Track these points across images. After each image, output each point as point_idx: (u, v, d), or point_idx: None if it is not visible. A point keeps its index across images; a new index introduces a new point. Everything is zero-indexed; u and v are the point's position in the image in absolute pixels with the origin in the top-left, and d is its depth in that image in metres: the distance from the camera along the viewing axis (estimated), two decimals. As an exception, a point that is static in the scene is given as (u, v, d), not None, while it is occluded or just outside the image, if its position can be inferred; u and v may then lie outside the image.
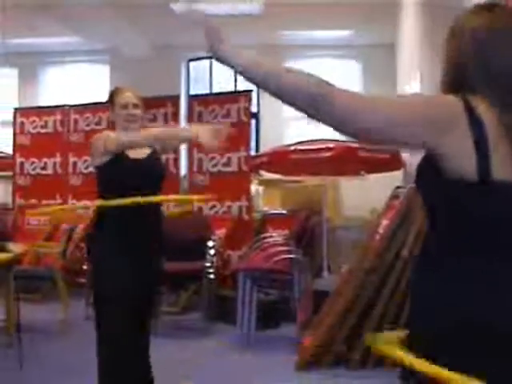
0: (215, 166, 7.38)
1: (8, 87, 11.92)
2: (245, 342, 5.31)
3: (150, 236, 3.27)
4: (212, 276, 5.97)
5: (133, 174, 3.19)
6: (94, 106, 8.09)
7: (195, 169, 7.51)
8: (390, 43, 10.23)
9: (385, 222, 4.95)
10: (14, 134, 8.66)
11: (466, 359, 1.35)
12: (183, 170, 7.93)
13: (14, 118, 8.70)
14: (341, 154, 6.73)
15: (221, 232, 6.82)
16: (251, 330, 5.40)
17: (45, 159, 8.46)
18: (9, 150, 8.96)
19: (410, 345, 1.49)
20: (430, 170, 1.45)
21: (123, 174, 3.19)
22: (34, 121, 8.58)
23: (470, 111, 1.39)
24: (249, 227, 7.22)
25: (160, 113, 7.70)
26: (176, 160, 7.57)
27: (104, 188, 3.26)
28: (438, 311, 1.43)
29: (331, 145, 6.74)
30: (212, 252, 6.07)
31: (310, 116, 1.41)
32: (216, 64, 1.52)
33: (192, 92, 11.47)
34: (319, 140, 6.85)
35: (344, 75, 11.11)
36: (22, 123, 8.64)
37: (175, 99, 8.02)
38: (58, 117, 8.47)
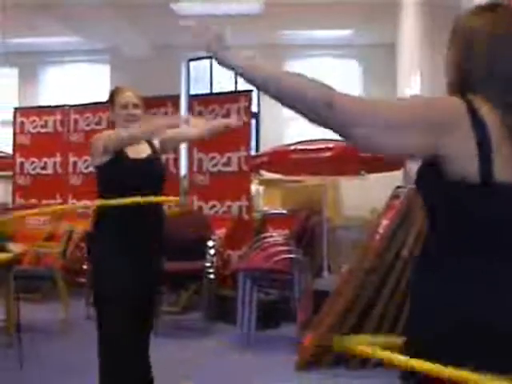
0: (215, 165, 7.38)
1: (8, 87, 11.92)
2: (245, 342, 5.31)
3: (150, 236, 3.26)
4: (212, 276, 5.97)
5: (133, 174, 3.19)
6: (94, 106, 8.10)
7: (195, 169, 7.51)
8: (390, 43, 10.23)
9: (385, 222, 4.95)
10: (14, 134, 8.67)
11: (466, 359, 1.35)
12: (183, 170, 7.93)
13: (14, 117, 8.71)
14: (341, 153, 6.73)
15: (221, 232, 6.82)
16: (251, 329, 5.40)
17: (45, 159, 8.46)
18: (9, 150, 8.97)
19: (409, 345, 1.49)
20: (431, 171, 1.44)
21: (123, 174, 3.19)
22: (34, 120, 8.59)
23: (473, 113, 1.39)
24: (249, 227, 7.22)
25: (160, 112, 7.70)
26: (176, 160, 7.58)
27: (104, 188, 3.26)
28: (437, 311, 1.43)
29: (331, 145, 6.73)
30: (212, 252, 6.06)
31: (311, 120, 1.41)
32: (216, 64, 1.52)
33: (192, 92, 11.47)
34: (319, 140, 6.84)
35: (344, 75, 11.12)
36: (22, 123, 8.65)
37: (175, 99, 8.03)
38: (58, 116, 8.48)
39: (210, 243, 6.12)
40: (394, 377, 1.55)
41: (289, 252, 5.77)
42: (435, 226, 1.51)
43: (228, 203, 7.23)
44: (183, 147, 7.62)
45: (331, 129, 1.41)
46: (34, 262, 6.59)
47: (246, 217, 7.20)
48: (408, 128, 1.39)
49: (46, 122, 8.53)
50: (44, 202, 8.25)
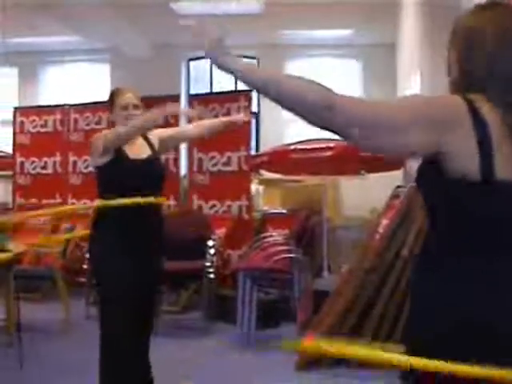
0: (215, 165, 7.38)
1: (8, 86, 11.92)
2: (245, 342, 5.31)
3: (150, 236, 3.26)
4: (212, 275, 5.97)
5: (133, 175, 3.18)
6: (94, 106, 8.09)
7: (195, 168, 7.51)
8: (391, 43, 10.23)
9: (385, 222, 4.96)
10: (14, 134, 8.67)
11: (466, 359, 1.35)
12: (183, 170, 7.93)
13: (14, 117, 8.70)
14: (341, 153, 6.73)
15: (221, 231, 6.82)
16: (251, 329, 5.40)
17: (45, 158, 8.46)
18: (9, 150, 8.96)
19: (408, 345, 1.49)
20: (432, 170, 1.44)
21: (123, 175, 3.19)
22: (33, 120, 8.59)
23: (474, 111, 1.39)
24: (249, 227, 7.22)
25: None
26: (176, 160, 7.58)
27: (104, 188, 3.26)
28: (437, 311, 1.43)
29: (331, 144, 6.73)
30: (212, 251, 6.06)
31: (311, 122, 1.41)
32: (215, 68, 1.53)
33: (192, 91, 11.47)
34: (319, 139, 6.84)
35: (344, 75, 11.12)
36: (22, 122, 8.64)
37: (175, 98, 8.01)
38: (58, 116, 8.47)
39: (210, 243, 6.12)
40: (393, 377, 1.55)
41: (289, 252, 5.77)
42: (435, 225, 1.51)
43: (228, 203, 7.23)
44: (183, 147, 7.62)
45: (332, 131, 1.42)
46: (34, 262, 6.59)
47: (245, 216, 7.19)
48: (409, 127, 1.39)
49: (45, 121, 8.53)
50: (44, 201, 8.25)
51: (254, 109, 9.98)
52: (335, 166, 7.20)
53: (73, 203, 8.17)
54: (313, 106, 1.38)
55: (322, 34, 10.82)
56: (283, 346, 1.57)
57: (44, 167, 8.48)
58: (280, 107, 1.44)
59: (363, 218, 8.15)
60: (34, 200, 8.34)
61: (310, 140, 7.16)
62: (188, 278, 6.21)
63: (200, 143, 6.80)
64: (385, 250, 4.63)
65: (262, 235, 6.72)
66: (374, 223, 5.39)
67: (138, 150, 3.27)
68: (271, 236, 6.62)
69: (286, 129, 10.88)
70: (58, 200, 8.24)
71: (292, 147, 7.30)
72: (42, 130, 8.54)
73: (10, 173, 8.79)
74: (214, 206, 7.31)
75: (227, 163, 7.30)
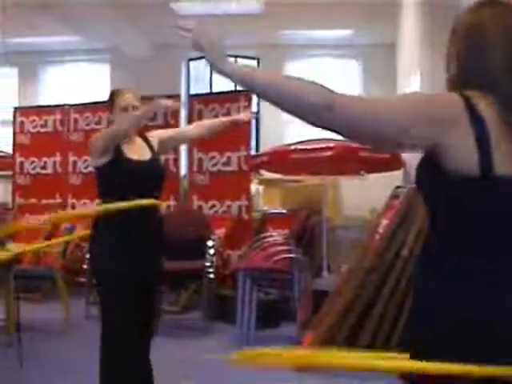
0: (215, 165, 7.38)
1: (8, 86, 11.92)
2: (245, 342, 5.31)
3: (151, 236, 3.26)
4: (212, 275, 5.97)
5: (132, 176, 3.18)
6: (94, 106, 8.09)
7: (195, 168, 7.51)
8: (391, 43, 10.24)
9: (385, 222, 4.96)
10: (14, 134, 8.67)
11: (466, 359, 1.35)
12: (183, 170, 7.93)
13: (14, 117, 8.70)
14: (341, 153, 6.73)
15: (221, 231, 6.82)
16: (251, 329, 5.40)
17: (45, 158, 8.46)
18: (9, 150, 8.97)
19: (408, 345, 1.49)
20: (431, 169, 1.45)
21: (122, 176, 3.18)
22: (33, 120, 8.59)
23: (471, 109, 1.39)
24: (249, 227, 7.22)
25: (160, 112, 7.68)
26: (176, 160, 7.58)
27: (103, 189, 3.26)
28: (437, 311, 1.43)
29: (331, 144, 6.74)
30: (212, 251, 6.07)
31: (311, 123, 1.41)
32: (214, 72, 1.53)
33: (192, 91, 11.47)
34: (319, 139, 6.84)
35: (344, 75, 11.13)
36: (22, 122, 8.64)
37: (175, 98, 8.01)
38: (58, 116, 8.47)
39: (210, 243, 6.12)
40: (394, 377, 1.55)
41: (288, 252, 5.78)
42: (436, 225, 1.51)
43: (228, 203, 7.23)
44: (183, 147, 7.62)
45: (332, 131, 1.42)
46: (33, 262, 6.60)
47: (245, 216, 7.20)
48: (409, 125, 1.40)
49: (45, 121, 8.53)
50: (44, 201, 8.25)
51: (254, 109, 9.97)
52: (335, 166, 7.20)
53: (73, 203, 8.18)
54: (312, 106, 1.38)
55: (322, 34, 10.83)
56: (237, 357, 1.56)
57: (44, 167, 8.48)
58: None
59: (363, 218, 8.15)
60: (33, 200, 8.35)
61: (309, 140, 7.16)
62: (188, 278, 6.22)
63: (200, 143, 6.81)
64: (385, 250, 4.63)
65: (262, 235, 6.72)
66: (373, 223, 5.39)
67: (138, 151, 3.27)
68: (271, 236, 6.62)
69: (285, 129, 10.89)
70: (58, 200, 8.24)
71: (292, 147, 7.30)
72: (42, 129, 8.54)
73: (9, 173, 8.80)
74: (213, 206, 7.31)
75: (227, 163, 7.30)
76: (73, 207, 8.18)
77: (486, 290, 1.39)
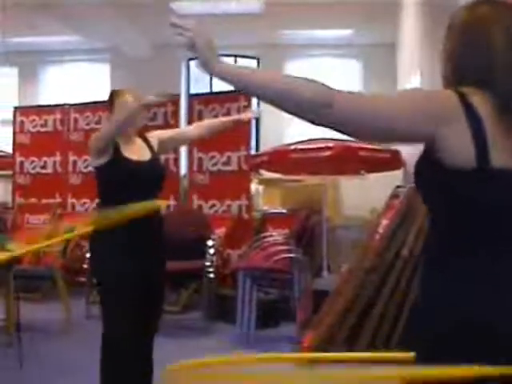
0: (215, 165, 7.38)
1: (8, 86, 11.93)
2: (244, 341, 5.31)
3: (151, 236, 3.26)
4: (212, 275, 5.97)
5: (131, 176, 3.17)
6: (94, 105, 8.09)
7: (195, 168, 7.51)
8: (391, 42, 10.24)
9: (385, 222, 4.95)
10: (14, 133, 8.67)
11: (466, 359, 1.35)
12: (183, 170, 7.93)
13: (14, 116, 8.71)
14: (341, 153, 6.73)
15: (221, 231, 6.82)
16: (251, 329, 5.40)
17: (45, 158, 8.46)
18: (9, 149, 8.97)
19: (408, 345, 1.49)
20: (429, 166, 1.45)
21: (120, 176, 3.18)
22: (33, 120, 8.59)
23: (467, 105, 1.40)
24: (249, 226, 7.22)
25: (160, 112, 7.69)
26: (176, 159, 7.58)
27: (103, 189, 3.26)
28: (438, 311, 1.43)
29: (331, 144, 6.74)
30: (212, 251, 6.07)
31: (310, 121, 1.41)
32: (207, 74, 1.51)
33: (192, 91, 11.47)
34: (319, 139, 6.85)
35: (344, 74, 11.13)
36: (22, 122, 8.65)
37: (175, 98, 8.02)
38: (58, 116, 8.48)
39: (210, 242, 6.12)
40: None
41: (288, 251, 5.77)
42: (436, 224, 1.51)
43: (228, 202, 7.23)
44: (183, 148, 7.62)
45: (331, 128, 1.42)
46: (33, 262, 6.59)
47: (245, 216, 7.20)
48: (408, 122, 1.40)
49: (45, 121, 8.54)
50: (44, 201, 8.26)
51: (254, 109, 9.97)
52: (335, 165, 7.20)
53: (72, 203, 8.18)
54: (311, 103, 1.38)
55: (322, 34, 10.83)
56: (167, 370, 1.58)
57: (44, 167, 8.48)
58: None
59: (363, 218, 8.15)
60: (33, 200, 8.35)
61: (309, 140, 7.16)
62: (188, 278, 6.21)
63: (200, 143, 6.81)
64: (385, 249, 4.63)
65: (262, 235, 6.72)
66: (373, 223, 5.38)
67: (138, 151, 3.27)
68: (271, 236, 6.62)
69: (285, 128, 10.89)
70: (58, 200, 8.24)
71: (292, 147, 7.30)
72: (42, 129, 8.55)
73: (9, 172, 8.80)
74: (213, 205, 7.31)
75: (227, 163, 7.30)
76: (73, 207, 8.18)
77: (486, 290, 1.39)
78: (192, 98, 8.21)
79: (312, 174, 8.10)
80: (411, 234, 4.55)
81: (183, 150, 7.79)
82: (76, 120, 8.34)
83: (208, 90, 11.32)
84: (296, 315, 5.44)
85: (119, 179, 3.18)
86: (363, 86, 11.10)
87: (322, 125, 1.41)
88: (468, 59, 1.49)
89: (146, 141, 3.36)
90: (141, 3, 9.01)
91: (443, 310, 1.42)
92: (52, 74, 12.40)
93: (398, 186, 5.37)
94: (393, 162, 7.31)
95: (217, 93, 8.08)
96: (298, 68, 11.23)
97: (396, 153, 7.29)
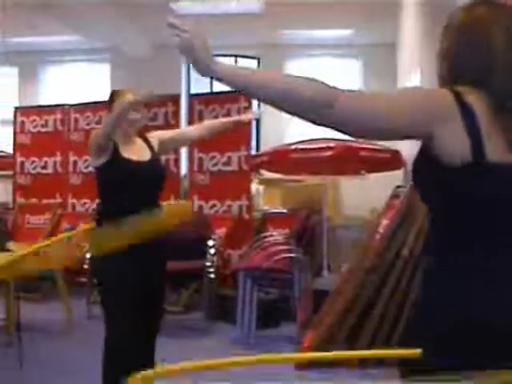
0: (215, 165, 7.38)
1: (8, 86, 11.93)
2: (245, 341, 5.31)
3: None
4: (212, 275, 5.97)
5: (131, 176, 3.17)
6: (95, 105, 8.09)
7: (195, 168, 7.51)
8: (391, 42, 10.24)
9: (385, 222, 4.96)
10: (15, 133, 8.67)
11: (466, 359, 1.36)
12: (184, 170, 7.93)
13: (15, 116, 8.71)
14: (341, 153, 6.73)
15: (221, 231, 6.82)
16: (251, 329, 5.40)
17: (45, 158, 8.46)
18: (9, 149, 8.97)
19: (409, 345, 1.49)
20: (426, 165, 1.46)
21: (121, 176, 3.18)
22: (34, 120, 8.59)
23: (463, 104, 1.41)
24: (249, 226, 7.22)
25: (161, 112, 7.69)
26: (176, 160, 7.58)
27: (103, 189, 3.26)
28: (437, 311, 1.43)
29: (332, 144, 6.74)
30: (212, 251, 6.07)
31: (311, 121, 1.41)
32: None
33: (192, 91, 11.46)
34: (320, 139, 6.85)
35: (344, 74, 11.13)
36: (23, 122, 8.65)
37: (176, 98, 8.02)
38: (59, 116, 8.48)
39: (211, 242, 6.12)
40: (393, 377, 1.55)
41: (289, 251, 5.77)
42: (435, 222, 1.52)
43: (228, 202, 7.23)
44: (184, 148, 7.62)
45: (331, 127, 1.42)
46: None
47: (246, 216, 7.19)
48: (408, 121, 1.41)
49: (46, 121, 8.53)
50: (44, 201, 8.26)
51: (255, 109, 9.97)
52: (335, 165, 7.20)
53: (73, 203, 8.18)
54: (312, 103, 1.38)
55: (322, 34, 10.83)
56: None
57: (44, 167, 8.48)
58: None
59: (363, 218, 8.16)
60: (34, 200, 8.35)
61: (310, 140, 7.17)
62: (188, 278, 6.21)
63: (200, 143, 6.81)
64: (385, 249, 4.63)
65: (263, 235, 6.72)
66: (374, 223, 5.39)
67: (138, 152, 3.27)
68: (271, 236, 6.62)
69: (286, 128, 10.89)
70: (59, 200, 8.24)
71: (292, 147, 7.31)
72: (43, 129, 8.55)
73: (10, 172, 8.80)
74: (214, 205, 7.31)
75: (227, 163, 7.30)
76: (73, 207, 8.18)
77: (483, 287, 1.40)
78: (192, 98, 8.21)
79: (312, 174, 8.10)
80: (411, 234, 4.56)
81: (184, 151, 7.78)
82: (76, 120, 8.34)
83: (208, 91, 11.33)
84: (296, 315, 5.44)
85: (118, 179, 3.18)
86: (363, 86, 11.10)
87: (323, 124, 1.41)
88: (466, 58, 1.50)
89: (146, 141, 3.36)
90: (141, 3, 9.01)
91: (443, 310, 1.42)
92: (52, 73, 12.41)
93: (399, 186, 5.38)
94: (393, 162, 7.31)
95: (217, 93, 8.08)
96: (298, 68, 11.23)
97: (396, 153, 7.29)
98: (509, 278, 1.40)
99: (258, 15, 9.62)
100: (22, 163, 8.59)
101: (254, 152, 8.73)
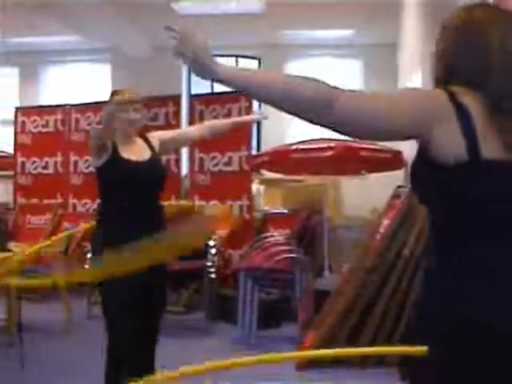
0: (216, 165, 7.38)
1: (9, 86, 11.93)
2: (246, 342, 5.31)
3: (153, 235, 3.25)
4: (213, 275, 5.98)
5: (130, 176, 3.17)
6: (95, 106, 8.08)
7: (196, 168, 7.51)
8: (392, 43, 10.23)
9: (386, 222, 4.95)
10: (15, 134, 8.67)
11: (466, 359, 1.36)
12: (184, 170, 7.93)
13: (15, 117, 8.71)
14: (342, 153, 6.73)
15: (222, 231, 6.82)
16: (252, 329, 5.40)
17: (46, 158, 8.46)
18: (10, 150, 8.97)
19: (409, 345, 1.49)
20: (424, 167, 1.46)
21: (119, 176, 3.17)
22: (35, 120, 8.59)
23: (458, 104, 1.41)
24: (250, 226, 7.22)
25: (161, 112, 7.69)
26: (177, 160, 7.58)
27: (103, 189, 3.26)
28: (438, 311, 1.44)
29: (332, 144, 6.74)
30: (213, 251, 6.07)
31: (311, 121, 1.41)
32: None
33: (193, 91, 11.46)
34: (320, 139, 6.85)
35: (345, 74, 11.13)
36: (23, 122, 8.65)
37: (176, 99, 8.03)
38: (59, 116, 8.48)
39: (211, 243, 6.12)
40: (393, 377, 1.55)
41: (290, 251, 5.77)
42: (435, 223, 1.52)
43: (229, 203, 7.23)
44: (184, 148, 7.62)
45: (331, 128, 1.42)
46: (35, 262, 6.58)
47: (247, 216, 7.19)
48: (410, 121, 1.41)
49: (47, 121, 8.54)
50: (45, 201, 8.25)
51: (255, 108, 9.98)
52: (336, 165, 7.20)
53: (74, 203, 8.18)
54: (312, 102, 1.38)
55: (323, 34, 10.83)
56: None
57: (45, 167, 8.48)
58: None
59: (364, 218, 8.15)
60: (35, 200, 8.35)
61: (311, 140, 7.16)
62: (189, 278, 6.21)
63: (201, 143, 6.81)
64: (386, 249, 4.63)
65: (263, 235, 6.72)
66: (374, 223, 5.38)
67: (138, 151, 3.26)
68: (272, 236, 6.62)
69: (287, 129, 10.89)
70: (59, 200, 8.24)
71: (293, 147, 7.30)
72: (44, 129, 8.55)
73: (11, 173, 8.81)
74: (215, 205, 7.30)
75: (228, 163, 7.29)
76: (74, 207, 8.18)
77: (482, 286, 1.40)
78: (193, 98, 8.21)
79: (313, 174, 8.09)
80: (412, 234, 4.56)
81: (184, 151, 7.79)
82: (77, 120, 8.34)
83: (209, 91, 11.32)
84: (297, 315, 5.44)
85: (118, 180, 3.18)
86: (364, 86, 11.10)
87: (322, 125, 1.41)
88: (463, 59, 1.50)
89: (146, 141, 3.36)
90: (141, 3, 9.01)
91: (443, 310, 1.42)
92: (53, 74, 12.41)
93: (399, 186, 5.38)
94: (394, 162, 7.30)
95: (218, 93, 8.07)
96: (298, 68, 11.23)
97: (397, 153, 7.29)
98: (508, 277, 1.40)
99: (259, 15, 9.62)
100: (23, 163, 8.59)
101: (254, 152, 8.73)
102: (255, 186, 8.93)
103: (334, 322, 4.59)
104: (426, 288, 1.51)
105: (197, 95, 8.80)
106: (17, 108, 8.95)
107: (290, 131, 10.66)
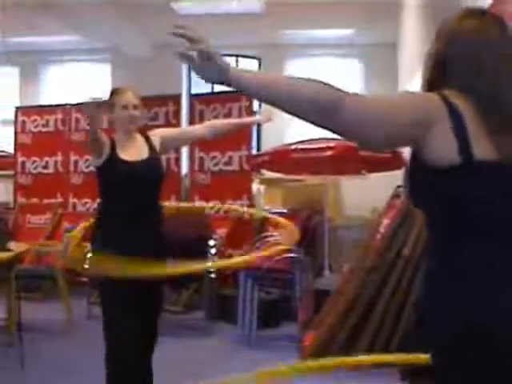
0: (216, 164, 7.38)
1: (9, 86, 11.92)
2: (246, 342, 5.31)
3: (151, 236, 3.25)
4: (213, 275, 5.97)
5: (127, 176, 3.17)
6: (95, 105, 8.08)
7: (196, 168, 7.51)
8: (392, 42, 10.22)
9: (386, 222, 4.95)
10: (16, 133, 8.68)
11: (464, 360, 1.36)
12: (184, 169, 7.93)
13: (16, 116, 8.72)
14: (342, 153, 6.72)
15: (222, 231, 6.82)
16: (252, 329, 5.40)
17: (46, 158, 8.47)
18: (10, 149, 8.97)
19: (410, 344, 1.49)
20: (419, 172, 1.48)
21: (117, 176, 3.17)
22: (35, 120, 8.60)
23: (450, 106, 1.43)
24: (250, 226, 7.21)
25: (161, 112, 7.70)
26: (177, 159, 7.58)
27: (102, 189, 3.26)
28: (437, 311, 1.44)
29: (332, 144, 6.73)
30: (213, 251, 6.07)
31: (311, 122, 1.41)
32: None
33: (193, 91, 11.45)
34: (320, 139, 6.84)
35: (345, 74, 11.11)
36: (24, 122, 8.66)
37: (176, 98, 8.03)
38: (60, 116, 8.49)
39: (211, 242, 6.12)
40: (393, 377, 1.55)
41: (290, 251, 5.77)
42: (431, 226, 1.53)
43: (229, 202, 7.23)
44: (184, 148, 7.62)
45: (333, 132, 1.42)
46: (35, 261, 6.59)
47: (246, 216, 7.19)
48: (408, 126, 1.42)
49: (47, 121, 8.55)
50: (45, 201, 8.26)
51: (256, 108, 9.98)
52: (336, 165, 7.19)
53: (74, 203, 8.19)
54: (312, 104, 1.38)
55: (323, 34, 10.82)
56: None
57: (45, 167, 8.49)
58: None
59: (364, 218, 8.15)
60: (35, 200, 8.35)
61: (311, 140, 7.15)
62: (189, 278, 6.21)
63: (201, 143, 6.81)
64: (386, 249, 4.63)
65: (263, 235, 6.71)
66: (375, 223, 5.38)
67: (136, 150, 3.26)
68: (272, 236, 6.61)
69: (287, 128, 10.87)
70: (60, 200, 8.25)
71: (293, 147, 7.30)
72: (44, 129, 8.56)
73: (11, 172, 8.81)
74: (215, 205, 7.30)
75: (228, 163, 7.30)
76: (74, 207, 8.19)
77: (479, 287, 1.40)
78: (193, 97, 8.21)
79: (313, 174, 8.09)
80: (412, 234, 4.56)
81: (184, 150, 7.79)
82: (77, 120, 8.35)
83: (209, 90, 11.32)
84: (297, 315, 5.44)
85: (115, 179, 3.18)
86: (364, 86, 11.09)
87: (323, 127, 1.41)
88: (456, 64, 1.52)
89: (147, 139, 3.35)
90: (141, 3, 9.00)
91: (442, 311, 1.43)
92: (53, 73, 12.39)
93: (399, 186, 5.37)
94: (394, 161, 7.29)
95: (218, 93, 8.07)
96: (299, 68, 11.22)
97: (397, 153, 7.28)
98: (504, 278, 1.40)
99: (259, 15, 9.60)
100: (23, 163, 8.60)
101: (254, 152, 8.73)
102: (255, 186, 8.92)
103: (334, 322, 4.59)
104: (425, 289, 1.52)
105: (197, 95, 8.80)
106: (17, 108, 8.96)
107: (289, 131, 10.65)
